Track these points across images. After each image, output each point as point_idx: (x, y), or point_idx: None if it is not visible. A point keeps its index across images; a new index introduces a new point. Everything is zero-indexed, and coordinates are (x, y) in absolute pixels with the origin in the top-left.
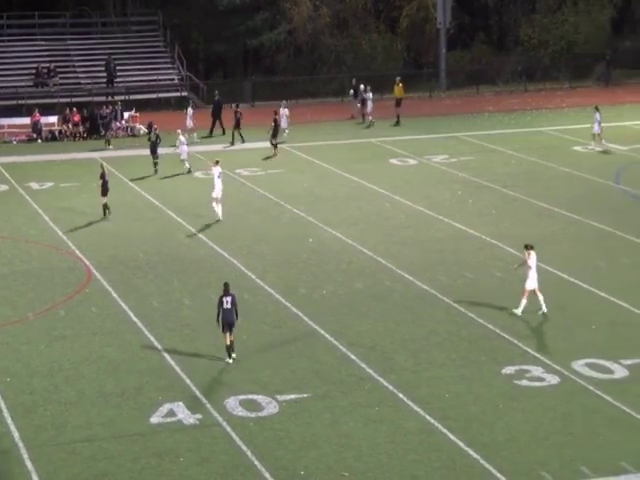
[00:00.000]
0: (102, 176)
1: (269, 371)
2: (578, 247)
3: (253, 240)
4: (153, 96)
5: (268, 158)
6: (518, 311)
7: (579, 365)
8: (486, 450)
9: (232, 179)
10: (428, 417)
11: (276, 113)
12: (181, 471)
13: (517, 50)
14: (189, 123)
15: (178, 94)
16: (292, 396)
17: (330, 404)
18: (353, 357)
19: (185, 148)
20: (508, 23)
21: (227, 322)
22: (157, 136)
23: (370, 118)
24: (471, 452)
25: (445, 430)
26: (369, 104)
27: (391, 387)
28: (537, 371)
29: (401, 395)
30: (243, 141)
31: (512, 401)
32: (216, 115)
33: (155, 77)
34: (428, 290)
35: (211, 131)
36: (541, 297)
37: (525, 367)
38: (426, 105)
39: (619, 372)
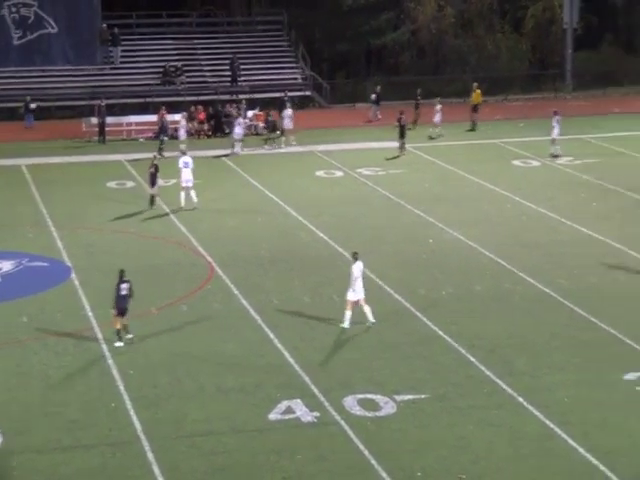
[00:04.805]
0: (150, 167)
1: (387, 370)
2: None
3: (373, 239)
4: (277, 95)
5: (394, 158)
6: (345, 324)
7: None
8: (607, 457)
9: (353, 178)
10: (547, 422)
11: (402, 113)
12: (298, 468)
13: None
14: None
15: (302, 93)
16: (410, 396)
17: (448, 406)
18: (472, 359)
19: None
20: (637, 24)
21: (122, 307)
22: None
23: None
24: (591, 459)
25: (565, 435)
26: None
27: (510, 390)
28: None
29: (520, 399)
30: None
31: (634, 407)
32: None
33: (279, 76)
34: (549, 293)
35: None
36: (367, 308)
37: None
38: (551, 106)
39: None
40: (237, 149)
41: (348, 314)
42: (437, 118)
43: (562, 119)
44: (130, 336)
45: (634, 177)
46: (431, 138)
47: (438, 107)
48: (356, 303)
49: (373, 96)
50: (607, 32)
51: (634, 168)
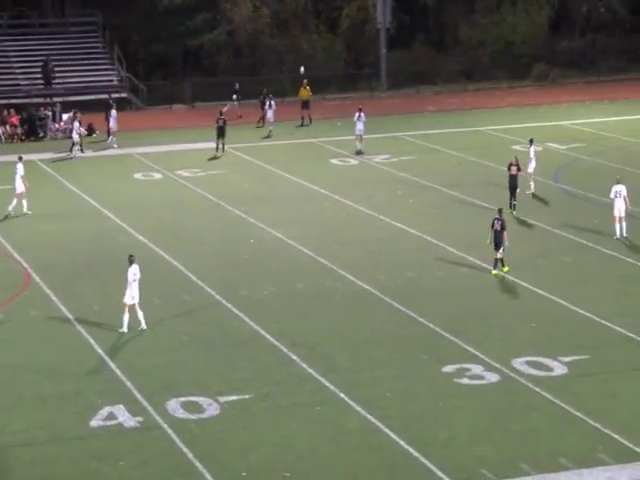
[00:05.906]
0: None
1: (209, 372)
2: (517, 246)
3: (194, 241)
4: (92, 97)
5: (213, 159)
6: (123, 329)
7: (519, 363)
8: (427, 449)
9: (172, 180)
10: (369, 417)
11: (221, 113)
12: (121, 474)
13: (456, 50)
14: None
15: (118, 95)
16: (233, 397)
17: (271, 405)
18: (294, 357)
19: None
20: (447, 23)
21: None
22: None
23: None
24: (412, 451)
25: (386, 429)
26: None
27: (332, 387)
28: (477, 369)
29: (342, 395)
30: None
31: (453, 399)
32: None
33: (94, 78)
34: (369, 290)
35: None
36: (140, 313)
37: (465, 365)
38: (366, 105)
39: (558, 369)
40: (75, 152)
41: (126, 318)
42: (269, 115)
43: (368, 116)
44: None
45: (449, 173)
46: (267, 137)
47: (267, 104)
48: (132, 307)
49: (234, 96)
50: (419, 32)
51: (448, 165)
